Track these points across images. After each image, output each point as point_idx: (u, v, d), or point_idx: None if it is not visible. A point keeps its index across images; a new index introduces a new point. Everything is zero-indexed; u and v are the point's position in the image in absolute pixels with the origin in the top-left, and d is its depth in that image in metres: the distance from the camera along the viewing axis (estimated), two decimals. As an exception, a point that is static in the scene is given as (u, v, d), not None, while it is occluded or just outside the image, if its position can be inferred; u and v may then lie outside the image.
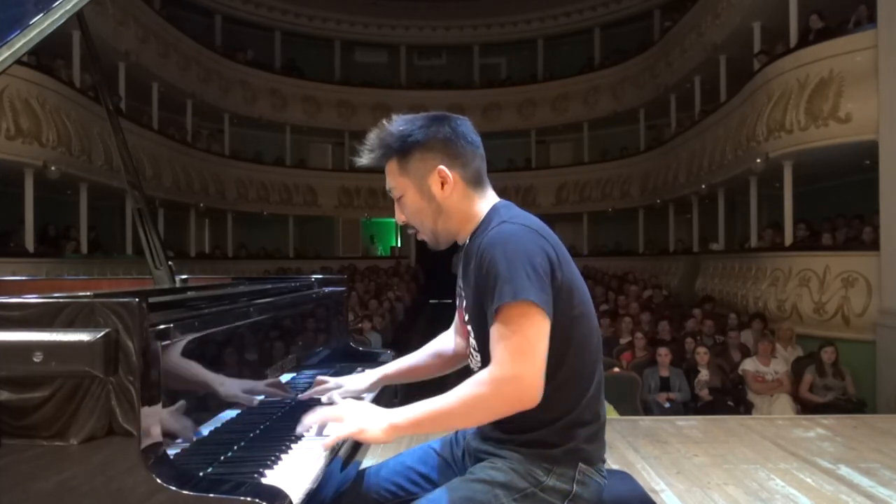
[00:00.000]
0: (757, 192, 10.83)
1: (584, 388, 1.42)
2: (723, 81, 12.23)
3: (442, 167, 1.44)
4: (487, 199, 1.50)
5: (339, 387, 1.74)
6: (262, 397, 1.56)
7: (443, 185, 1.45)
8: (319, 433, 1.39)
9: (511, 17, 19.43)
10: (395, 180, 1.49)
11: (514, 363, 1.26)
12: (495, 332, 1.30)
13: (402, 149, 1.45)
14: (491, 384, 1.27)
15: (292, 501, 1.06)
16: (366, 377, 1.78)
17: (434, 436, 1.72)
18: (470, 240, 1.47)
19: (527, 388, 1.26)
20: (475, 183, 1.49)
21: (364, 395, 1.76)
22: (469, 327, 1.50)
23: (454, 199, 1.46)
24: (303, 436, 1.40)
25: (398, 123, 1.47)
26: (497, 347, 1.29)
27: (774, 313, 8.91)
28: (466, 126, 1.50)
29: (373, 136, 1.48)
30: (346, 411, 1.35)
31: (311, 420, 1.38)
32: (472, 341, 1.50)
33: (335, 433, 1.32)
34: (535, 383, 1.26)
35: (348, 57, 19.74)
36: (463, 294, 1.53)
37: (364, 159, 1.49)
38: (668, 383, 6.43)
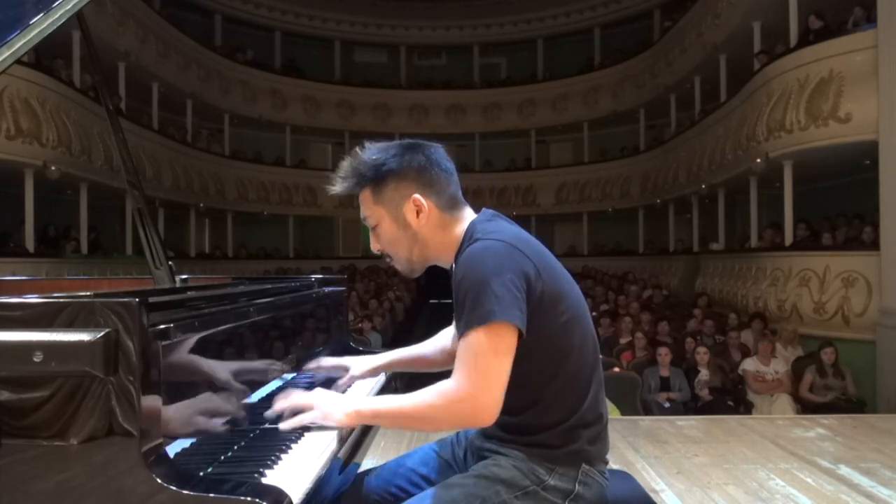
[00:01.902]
0: (757, 192, 10.83)
1: (583, 391, 1.42)
2: (723, 81, 12.23)
3: (417, 196, 1.44)
4: (464, 221, 1.49)
5: (345, 367, 1.79)
6: (263, 394, 1.56)
7: (418, 213, 1.44)
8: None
9: (511, 17, 19.42)
10: (370, 209, 1.48)
11: (472, 386, 1.28)
12: (460, 351, 1.31)
13: (376, 177, 1.45)
14: (447, 401, 1.30)
15: (292, 501, 1.06)
16: (371, 360, 1.82)
17: (434, 436, 1.72)
18: (455, 263, 1.45)
19: (481, 410, 1.29)
20: (450, 209, 1.48)
21: (369, 380, 1.83)
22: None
23: (429, 227, 1.46)
24: (303, 435, 1.40)
25: (371, 152, 1.47)
26: (459, 366, 1.30)
27: (774, 313, 8.91)
28: (440, 153, 1.49)
29: (346, 165, 1.48)
30: (315, 399, 1.42)
31: (280, 406, 1.43)
32: None
33: (302, 418, 1.39)
34: (491, 406, 1.28)
35: (348, 57, 19.73)
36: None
37: (337, 188, 1.48)
38: (668, 383, 6.43)
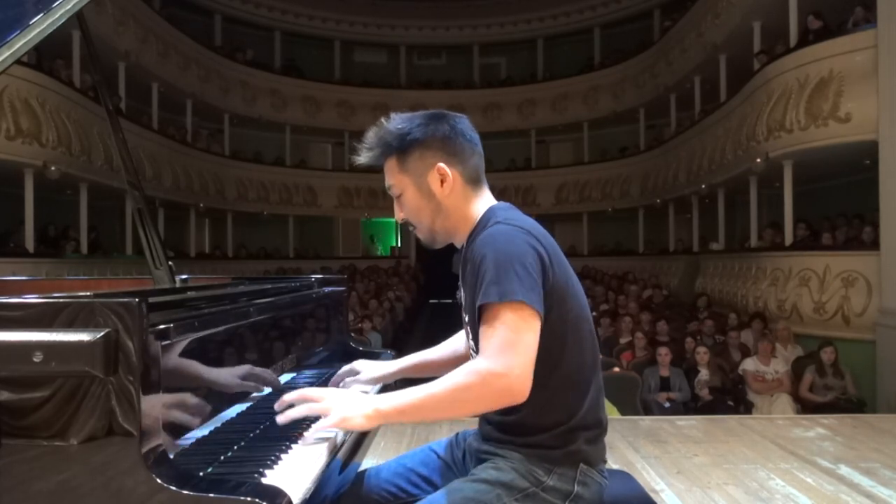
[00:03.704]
0: (757, 192, 10.83)
1: (582, 392, 1.42)
2: (723, 81, 12.23)
3: (441, 164, 1.45)
4: (485, 200, 1.50)
5: (356, 372, 1.76)
6: (266, 392, 1.56)
7: (442, 182, 1.45)
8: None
9: (511, 17, 19.42)
10: (395, 178, 1.49)
11: (504, 357, 1.24)
12: (484, 328, 1.29)
13: (402, 147, 1.46)
14: (479, 376, 1.25)
15: (292, 501, 1.06)
16: (384, 366, 1.78)
17: (434, 436, 1.72)
18: (467, 243, 1.47)
19: (515, 380, 1.24)
20: (473, 181, 1.49)
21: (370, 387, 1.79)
22: (468, 328, 1.51)
23: (453, 198, 1.47)
24: (303, 435, 1.40)
25: (397, 121, 1.47)
26: (486, 342, 1.28)
27: (774, 313, 8.91)
28: (465, 123, 1.50)
29: (371, 135, 1.48)
30: (330, 401, 1.32)
31: (295, 413, 1.34)
32: (471, 342, 1.50)
33: (319, 425, 1.32)
34: (524, 377, 1.25)
35: (348, 57, 19.72)
36: (462, 296, 1.53)
37: (363, 158, 1.49)
38: (668, 383, 6.44)
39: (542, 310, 1.29)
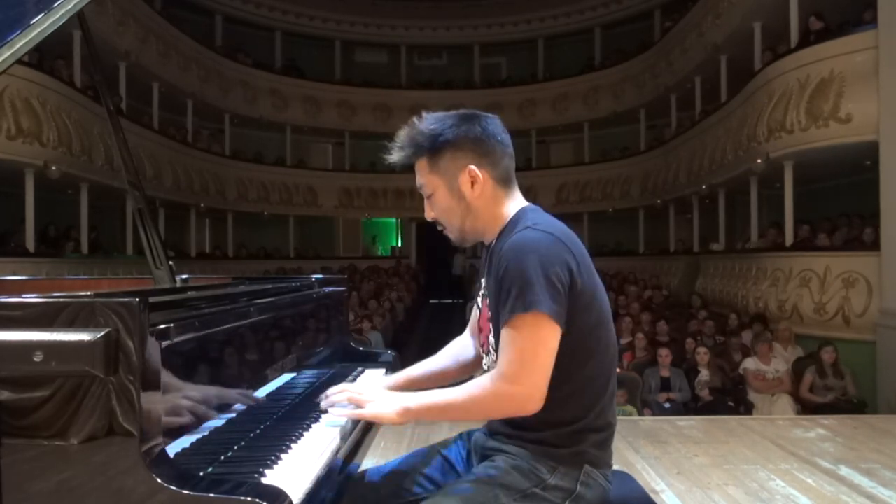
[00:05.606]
0: (757, 192, 10.82)
1: (597, 394, 1.42)
2: (723, 81, 12.22)
3: (472, 166, 1.45)
4: (516, 201, 1.50)
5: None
6: (263, 394, 1.56)
7: (472, 184, 1.45)
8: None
9: (511, 17, 19.42)
10: (426, 178, 1.49)
11: (518, 376, 1.29)
12: (505, 339, 1.32)
13: (433, 147, 1.46)
14: (493, 391, 1.32)
15: (292, 501, 1.06)
16: (383, 382, 1.73)
17: (435, 437, 1.72)
18: (496, 240, 1.47)
19: (527, 399, 1.30)
20: (504, 183, 1.49)
21: None
22: (490, 325, 1.50)
23: (483, 199, 1.47)
24: (303, 435, 1.41)
25: (429, 122, 1.48)
26: (504, 357, 1.32)
27: (775, 313, 8.91)
28: (496, 125, 1.50)
29: (403, 134, 1.48)
30: (368, 395, 1.44)
31: (336, 398, 1.48)
32: (492, 339, 1.49)
33: (355, 413, 1.44)
34: (536, 395, 1.30)
35: (348, 57, 19.72)
36: (485, 293, 1.53)
37: (394, 157, 1.49)
38: (668, 383, 6.44)
39: (563, 321, 1.31)
